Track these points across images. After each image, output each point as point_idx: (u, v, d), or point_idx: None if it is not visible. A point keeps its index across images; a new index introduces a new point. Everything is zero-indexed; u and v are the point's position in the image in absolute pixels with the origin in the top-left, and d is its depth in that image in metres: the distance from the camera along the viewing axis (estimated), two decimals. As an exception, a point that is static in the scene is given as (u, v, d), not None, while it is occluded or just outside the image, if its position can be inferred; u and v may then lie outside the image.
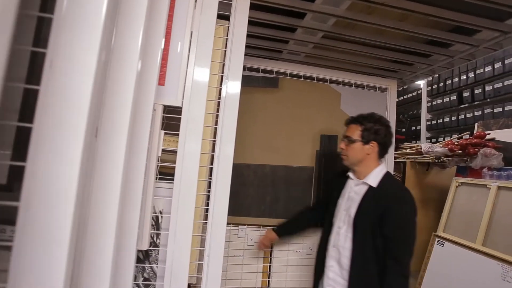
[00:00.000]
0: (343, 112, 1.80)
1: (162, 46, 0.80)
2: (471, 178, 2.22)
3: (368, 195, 1.20)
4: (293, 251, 1.71)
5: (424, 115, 3.91)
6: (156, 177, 0.94)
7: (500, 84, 3.01)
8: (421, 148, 3.06)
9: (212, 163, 1.01)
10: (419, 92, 4.11)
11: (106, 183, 0.58)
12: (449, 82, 3.64)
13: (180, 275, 0.83)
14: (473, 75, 3.39)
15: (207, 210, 1.00)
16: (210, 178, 1.00)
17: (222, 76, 1.01)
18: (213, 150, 1.01)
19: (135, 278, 0.90)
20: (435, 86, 3.82)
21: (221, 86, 0.99)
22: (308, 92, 1.79)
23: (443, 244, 2.24)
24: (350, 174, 1.30)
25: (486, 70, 3.24)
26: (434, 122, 3.77)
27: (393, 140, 1.29)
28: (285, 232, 1.54)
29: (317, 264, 1.33)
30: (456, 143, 2.55)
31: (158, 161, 0.87)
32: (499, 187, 1.85)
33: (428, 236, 3.00)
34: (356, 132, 1.25)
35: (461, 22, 1.28)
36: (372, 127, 1.23)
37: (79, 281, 0.53)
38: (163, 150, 0.95)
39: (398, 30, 1.39)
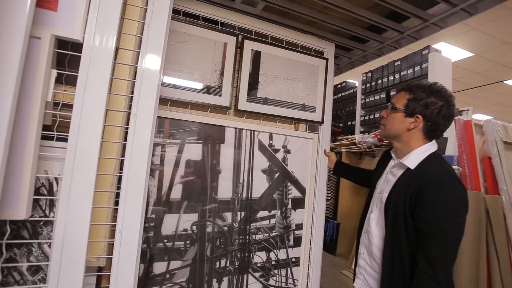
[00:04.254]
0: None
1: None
2: (396, 165, 2.42)
3: (403, 178, 0.99)
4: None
5: (359, 111, 4.24)
6: (53, 136, 0.74)
7: (419, 85, 3.43)
8: (355, 139, 3.30)
9: (127, 123, 0.84)
10: (354, 90, 4.45)
11: None
12: (379, 81, 4.00)
13: (75, 254, 0.65)
14: (398, 76, 3.79)
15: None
16: (125, 141, 0.84)
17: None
18: (130, 108, 0.85)
19: (11, 261, 0.69)
20: (368, 85, 4.17)
21: (144, 20, 0.82)
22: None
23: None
24: (392, 152, 1.11)
25: (409, 72, 3.66)
26: (366, 117, 4.11)
27: (450, 122, 1.01)
28: (342, 168, 1.58)
29: (356, 248, 1.20)
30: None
31: (45, 108, 0.67)
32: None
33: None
34: (401, 100, 1.02)
35: (395, 6, 1.35)
36: (424, 98, 0.98)
37: None
38: (64, 105, 0.76)
39: (342, 10, 1.41)
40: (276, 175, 1.55)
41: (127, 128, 0.86)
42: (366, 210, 1.15)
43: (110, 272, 0.80)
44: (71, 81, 0.79)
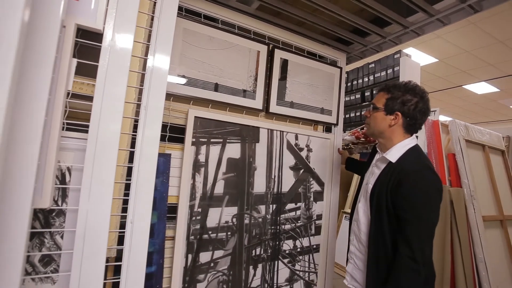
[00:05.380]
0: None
1: None
2: (371, 161, 2.59)
3: (385, 170, 1.08)
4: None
5: (335, 110, 4.44)
6: (64, 125, 0.73)
7: (391, 86, 3.69)
8: (333, 137, 3.48)
9: (138, 115, 0.85)
10: (331, 90, 4.64)
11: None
12: (355, 82, 4.22)
13: (98, 243, 0.66)
14: (372, 78, 4.03)
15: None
16: (135, 133, 0.84)
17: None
18: (139, 100, 0.86)
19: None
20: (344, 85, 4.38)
21: (152, 14, 0.83)
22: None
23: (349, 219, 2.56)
24: (377, 147, 1.21)
25: (382, 74, 3.91)
26: (343, 116, 4.32)
27: (427, 115, 1.10)
28: (352, 164, 1.72)
29: (348, 237, 1.28)
30: (361, 132, 2.95)
31: (67, 98, 0.66)
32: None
33: (338, 213, 3.42)
34: (381, 100, 1.11)
35: (379, 12, 1.46)
36: (400, 97, 1.07)
37: None
38: (73, 95, 0.75)
39: (331, 12, 1.50)
40: (301, 171, 1.73)
41: (135, 120, 0.87)
42: (356, 200, 1.25)
43: (121, 262, 0.81)
44: (80, 71, 0.78)
